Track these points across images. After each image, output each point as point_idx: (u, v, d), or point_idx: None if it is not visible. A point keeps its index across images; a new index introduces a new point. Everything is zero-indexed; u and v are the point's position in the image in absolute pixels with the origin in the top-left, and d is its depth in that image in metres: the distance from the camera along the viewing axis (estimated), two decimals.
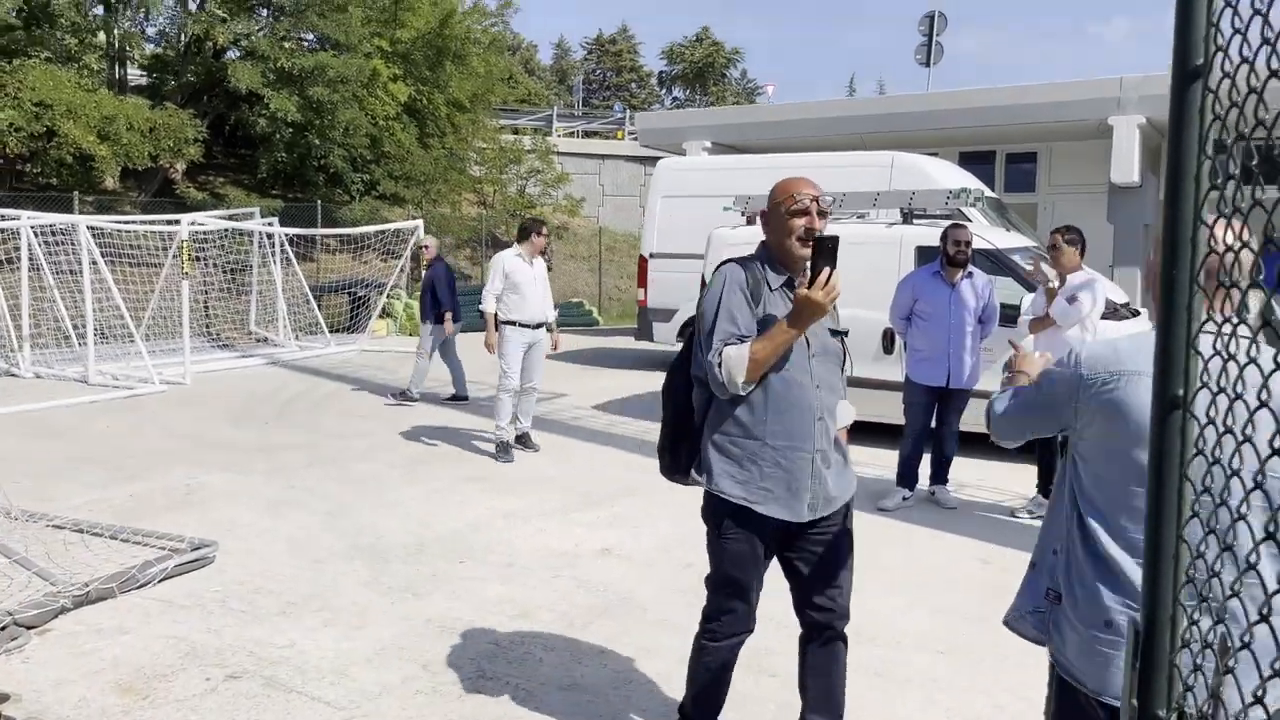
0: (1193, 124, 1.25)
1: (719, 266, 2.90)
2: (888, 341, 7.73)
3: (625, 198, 27.14)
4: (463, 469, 7.30)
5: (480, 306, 7.79)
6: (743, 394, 2.75)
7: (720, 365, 2.71)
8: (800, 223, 2.80)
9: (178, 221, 12.38)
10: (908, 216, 8.00)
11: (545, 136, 27.12)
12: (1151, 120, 12.78)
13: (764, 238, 2.95)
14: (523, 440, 7.98)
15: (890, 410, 7.71)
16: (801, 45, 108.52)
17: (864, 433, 8.18)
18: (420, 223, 15.14)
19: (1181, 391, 1.25)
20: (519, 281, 7.54)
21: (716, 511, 2.96)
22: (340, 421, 9.15)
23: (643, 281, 12.42)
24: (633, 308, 15.09)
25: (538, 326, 7.68)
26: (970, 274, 6.30)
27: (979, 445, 7.55)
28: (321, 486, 6.72)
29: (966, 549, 5.52)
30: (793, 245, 2.81)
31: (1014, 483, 6.88)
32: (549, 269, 18.38)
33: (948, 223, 6.97)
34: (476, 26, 23.39)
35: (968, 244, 6.25)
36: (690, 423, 3.02)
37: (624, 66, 58.96)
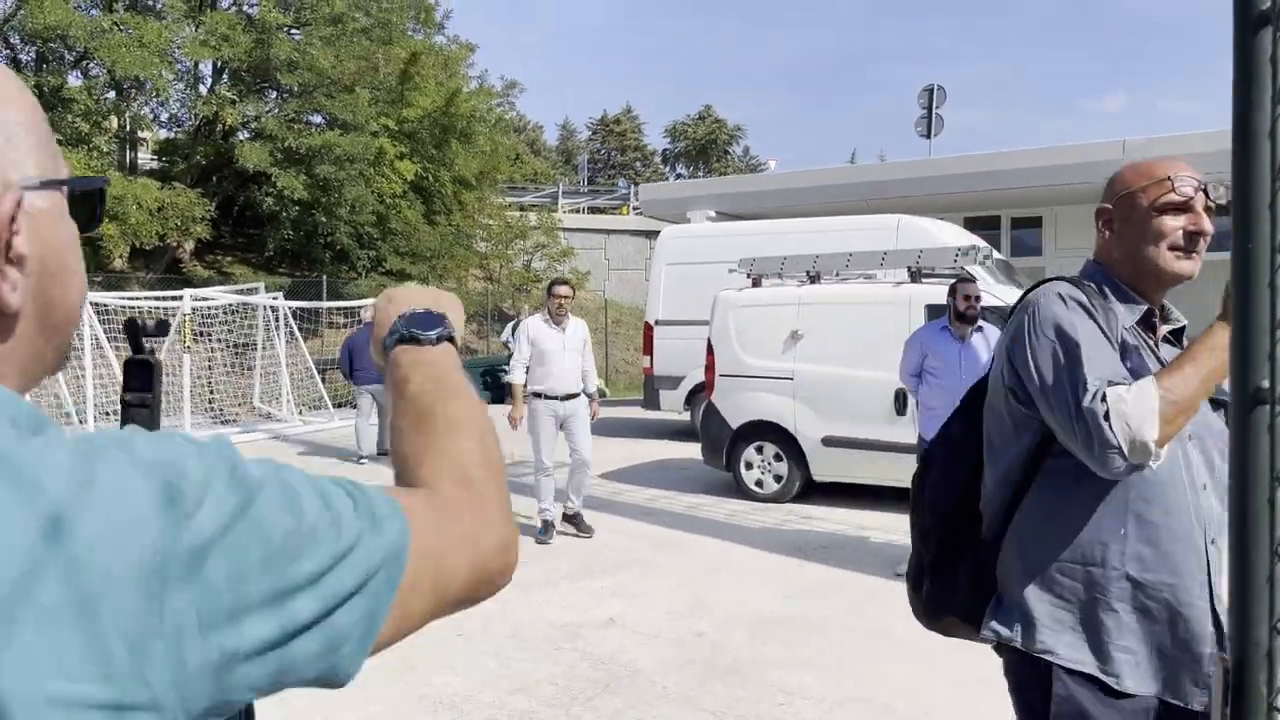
0: (1262, 74, 1.09)
1: (1029, 290, 1.93)
2: (899, 403, 7.53)
3: (631, 271, 27.21)
4: None
5: (507, 378, 7.28)
6: (1151, 464, 1.67)
7: (1109, 413, 1.65)
8: (1179, 223, 1.80)
9: (181, 297, 12.33)
10: (915, 275, 7.87)
11: (551, 212, 27.33)
12: None
13: (1105, 252, 1.92)
14: (573, 521, 7.25)
15: (904, 473, 7.49)
16: (803, 122, 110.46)
17: (879, 497, 7.95)
18: None
19: (1267, 383, 1.06)
20: (545, 349, 6.89)
21: (1045, 684, 1.80)
22: None
23: (648, 349, 12.28)
24: (639, 379, 14.94)
25: (568, 398, 6.97)
26: (980, 328, 6.13)
27: None
28: None
29: None
30: (1164, 259, 1.81)
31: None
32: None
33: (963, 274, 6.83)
34: (482, 106, 23.72)
35: (977, 298, 6.09)
36: (974, 534, 1.97)
37: (628, 145, 59.87)
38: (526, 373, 7.04)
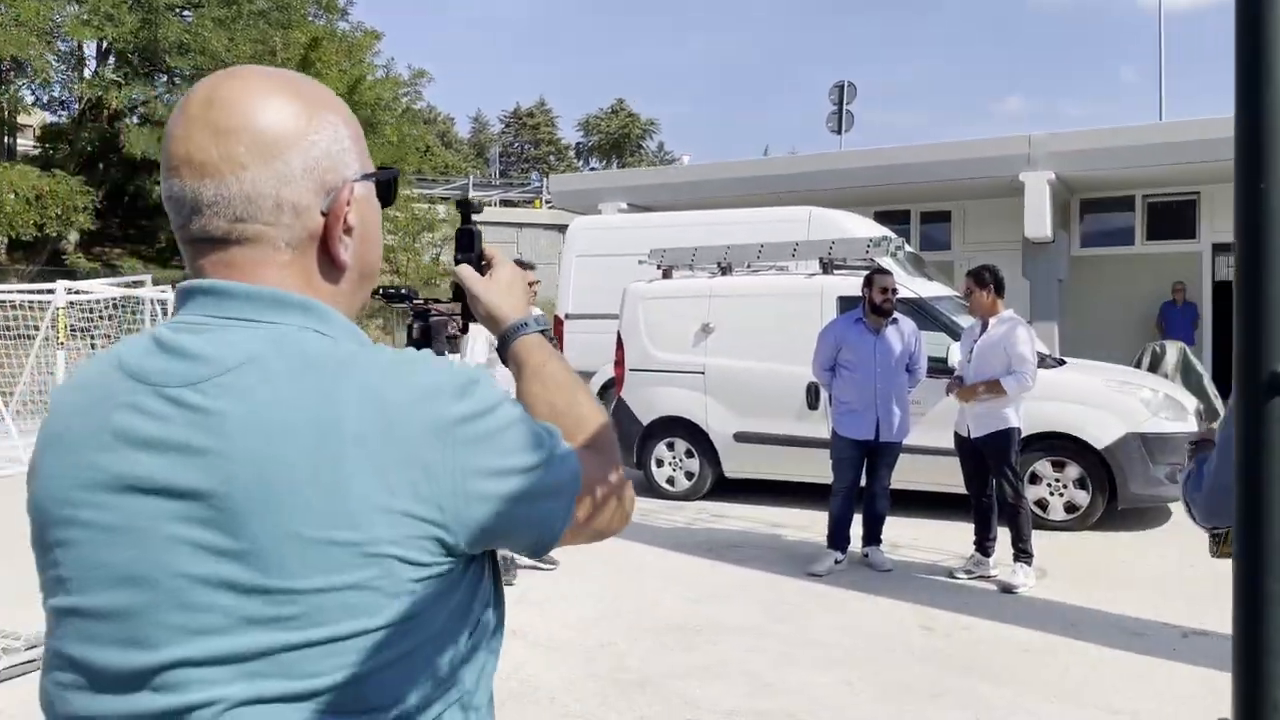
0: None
1: None
2: (812, 396, 7.37)
3: (544, 265, 26.66)
4: None
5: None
6: None
7: None
8: None
9: (54, 290, 11.55)
10: (827, 267, 7.71)
11: None
12: (1060, 176, 12.91)
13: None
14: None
15: (818, 469, 7.32)
16: (716, 119, 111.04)
17: (791, 494, 7.78)
18: None
19: None
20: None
21: None
22: None
23: (560, 344, 11.94)
24: None
25: None
26: (895, 320, 5.98)
27: (912, 502, 7.20)
28: None
29: (906, 615, 5.08)
30: None
31: (949, 541, 6.50)
32: (462, 330, 17.88)
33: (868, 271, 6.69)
34: (387, 94, 23.01)
35: (893, 291, 5.95)
36: None
37: (542, 139, 59.21)
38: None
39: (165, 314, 14.09)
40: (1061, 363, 7.49)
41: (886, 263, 7.93)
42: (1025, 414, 6.00)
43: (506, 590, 5.41)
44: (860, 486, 6.02)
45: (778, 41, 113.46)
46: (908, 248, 8.90)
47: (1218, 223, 14.01)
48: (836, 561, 5.90)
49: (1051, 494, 6.81)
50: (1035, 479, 6.82)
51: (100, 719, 0.85)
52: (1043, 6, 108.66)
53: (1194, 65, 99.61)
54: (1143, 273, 14.25)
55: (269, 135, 0.91)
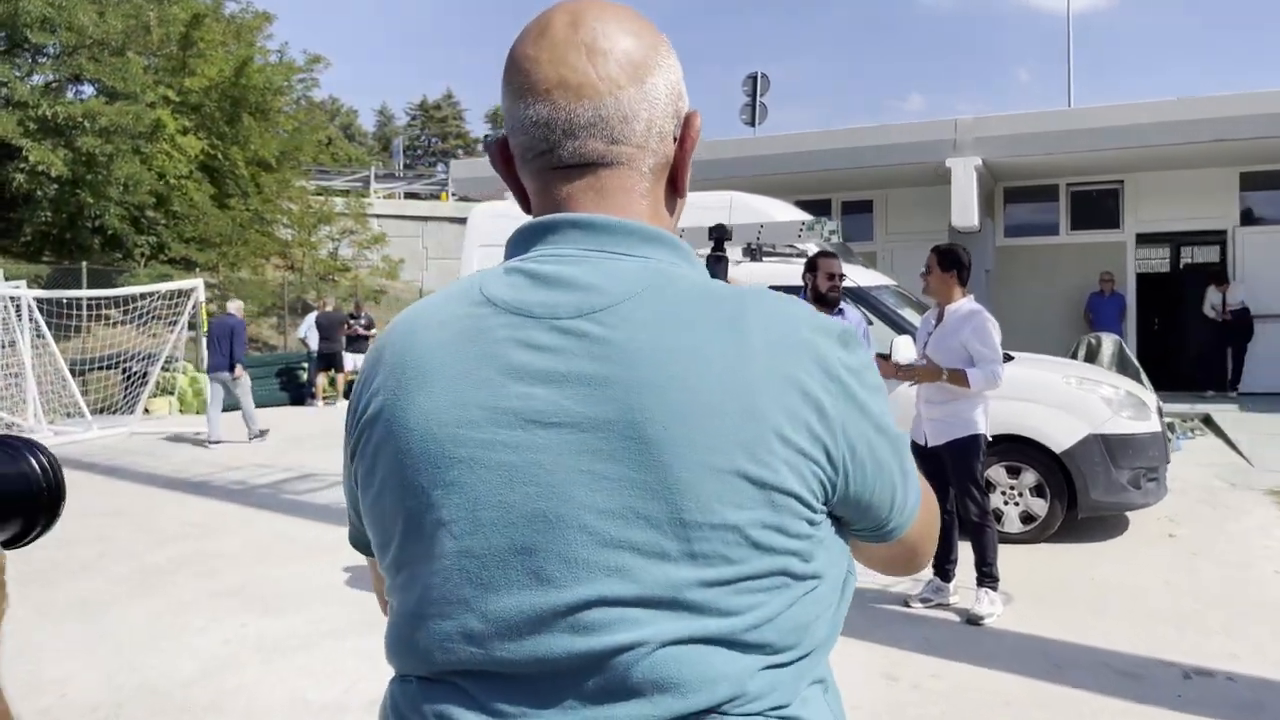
0: None
1: None
2: None
3: (451, 260, 25.59)
4: (216, 580, 5.63)
5: None
6: None
7: None
8: None
9: None
10: (755, 253, 6.91)
11: (361, 197, 25.38)
12: (987, 162, 12.41)
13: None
14: None
15: None
16: None
17: None
18: (200, 282, 13.21)
19: None
20: None
21: None
22: (72, 521, 7.23)
23: None
24: None
25: None
26: (842, 311, 5.21)
27: None
28: (7, 615, 4.91)
29: (864, 659, 4.29)
30: None
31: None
32: (368, 328, 16.62)
33: (806, 256, 5.93)
34: (279, 78, 21.57)
35: (841, 276, 5.18)
36: None
37: (449, 132, 57.74)
38: None
39: (18, 313, 12.67)
40: (1009, 358, 6.82)
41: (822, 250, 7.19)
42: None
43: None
44: None
45: (683, 35, 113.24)
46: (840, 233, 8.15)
47: (1141, 213, 13.73)
48: None
49: (1006, 503, 6.14)
50: (988, 487, 6.14)
51: (505, 664, 0.80)
52: (935, 7, 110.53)
53: (1094, 66, 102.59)
54: (1068, 263, 13.89)
55: (637, 55, 0.90)
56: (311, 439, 11.62)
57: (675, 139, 0.94)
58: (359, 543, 1.03)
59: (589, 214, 0.89)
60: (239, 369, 11.33)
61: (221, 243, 19.39)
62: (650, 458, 0.78)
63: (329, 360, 15.95)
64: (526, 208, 0.98)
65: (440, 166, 44.64)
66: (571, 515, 0.79)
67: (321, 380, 16.10)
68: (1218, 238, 13.84)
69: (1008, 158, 12.44)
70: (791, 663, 0.83)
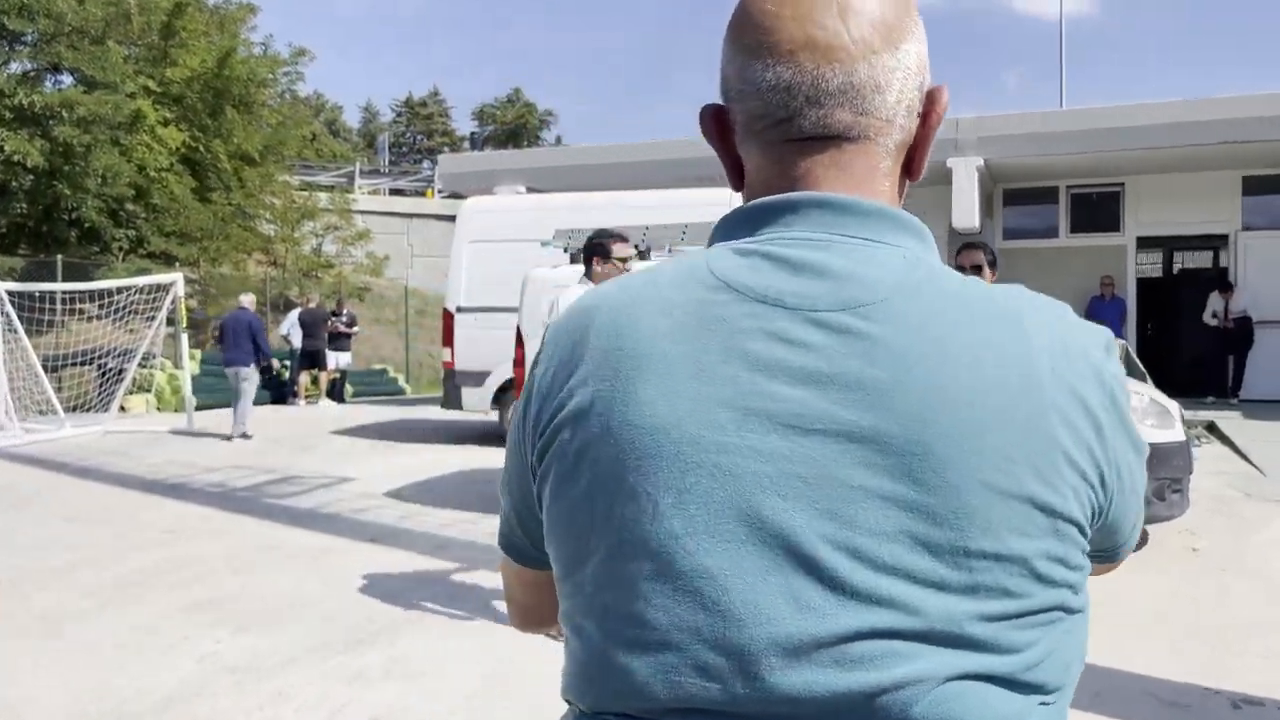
0: None
1: None
2: None
3: (436, 258, 25.21)
4: (191, 591, 5.28)
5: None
6: None
7: None
8: None
9: None
10: None
11: (346, 193, 24.98)
12: (988, 163, 12.17)
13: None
14: None
15: None
16: (617, 115, 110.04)
17: None
18: (179, 276, 12.81)
19: None
20: None
21: None
22: (42, 529, 6.88)
23: (449, 340, 10.63)
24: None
25: None
26: None
27: None
28: None
29: None
30: None
31: None
32: (350, 325, 16.22)
33: None
34: (263, 71, 21.16)
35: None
36: None
37: (435, 129, 57.31)
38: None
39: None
40: None
41: None
42: None
43: (383, 658, 4.11)
44: None
45: (673, 36, 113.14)
46: None
47: (1142, 215, 13.53)
48: None
49: None
50: None
51: (747, 702, 0.70)
52: (925, 10, 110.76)
53: (1081, 73, 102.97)
54: (1068, 266, 13.68)
55: (891, 17, 0.82)
56: (293, 440, 11.25)
57: (919, 115, 0.85)
58: (519, 549, 0.93)
59: (836, 194, 0.80)
60: (265, 361, 11.56)
61: (202, 237, 18.98)
62: (934, 477, 0.70)
63: (312, 358, 15.58)
64: (736, 184, 0.88)
65: (426, 163, 44.22)
66: (840, 536, 0.70)
67: (304, 379, 15.72)
68: (1219, 242, 13.66)
69: (1010, 158, 12.21)
70: (1056, 703, 0.77)
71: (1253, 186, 13.10)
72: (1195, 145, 11.50)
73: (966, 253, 4.76)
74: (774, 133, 0.82)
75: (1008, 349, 0.73)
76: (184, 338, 12.65)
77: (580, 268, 6.87)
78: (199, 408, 14.01)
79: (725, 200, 9.53)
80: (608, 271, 4.75)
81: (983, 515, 0.69)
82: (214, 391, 15.01)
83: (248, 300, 12.02)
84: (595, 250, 4.82)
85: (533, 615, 1.00)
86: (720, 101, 0.87)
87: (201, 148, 19.43)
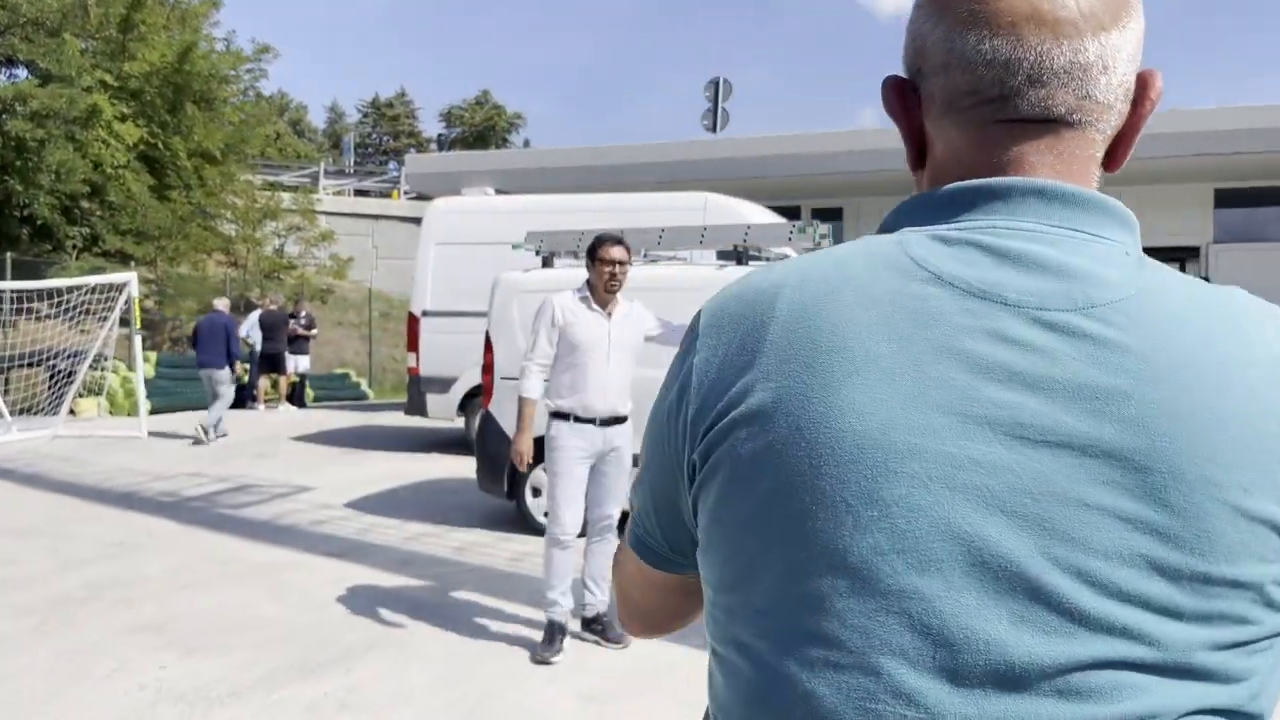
0: None
1: None
2: None
3: (401, 260, 24.79)
4: (134, 611, 4.94)
5: (520, 388, 4.60)
6: None
7: None
8: None
9: None
10: (741, 257, 6.41)
11: (309, 193, 24.51)
12: None
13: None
14: (595, 626, 4.58)
15: None
16: (585, 120, 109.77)
17: None
18: (132, 276, 12.36)
19: None
20: (580, 342, 4.45)
21: None
22: None
23: (414, 345, 10.30)
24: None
25: (611, 422, 4.50)
26: None
27: None
28: None
29: None
30: None
31: None
32: (308, 327, 15.78)
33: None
34: (225, 66, 20.70)
35: None
36: None
37: (401, 130, 56.81)
38: (541, 376, 4.59)
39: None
40: None
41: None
42: None
43: (339, 687, 3.81)
44: None
45: (641, 42, 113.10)
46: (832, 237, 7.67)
47: None
48: None
49: None
50: None
51: None
52: (894, 24, 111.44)
53: None
54: None
55: None
56: (252, 445, 10.86)
57: (1131, 102, 0.78)
58: (655, 553, 0.89)
59: (1057, 182, 0.74)
60: (239, 367, 11.63)
61: (160, 236, 18.47)
62: (1180, 498, 0.64)
63: (272, 361, 15.15)
64: (917, 162, 0.82)
65: (392, 164, 43.70)
66: (1069, 558, 0.64)
67: (264, 383, 15.30)
68: (1190, 255, 13.68)
69: None
70: None
71: (1225, 199, 13.11)
72: (1170, 157, 11.45)
73: None
74: (982, 112, 0.76)
75: (1252, 360, 0.68)
76: (137, 339, 12.19)
77: (552, 272, 6.61)
78: (154, 412, 13.58)
79: (700, 205, 9.32)
80: (598, 273, 4.49)
81: (1227, 540, 0.65)
82: (170, 395, 14.56)
83: (222, 304, 12.02)
84: (589, 252, 4.55)
85: (654, 619, 0.97)
86: (902, 73, 0.81)
87: (160, 144, 18.94)
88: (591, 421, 4.44)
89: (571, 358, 4.46)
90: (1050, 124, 0.75)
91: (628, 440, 4.60)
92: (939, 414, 0.67)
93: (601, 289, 4.50)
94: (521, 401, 4.59)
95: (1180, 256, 14.99)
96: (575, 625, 4.61)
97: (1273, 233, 13.06)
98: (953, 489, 0.66)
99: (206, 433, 10.88)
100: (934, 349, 0.69)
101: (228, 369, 11.37)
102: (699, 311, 0.81)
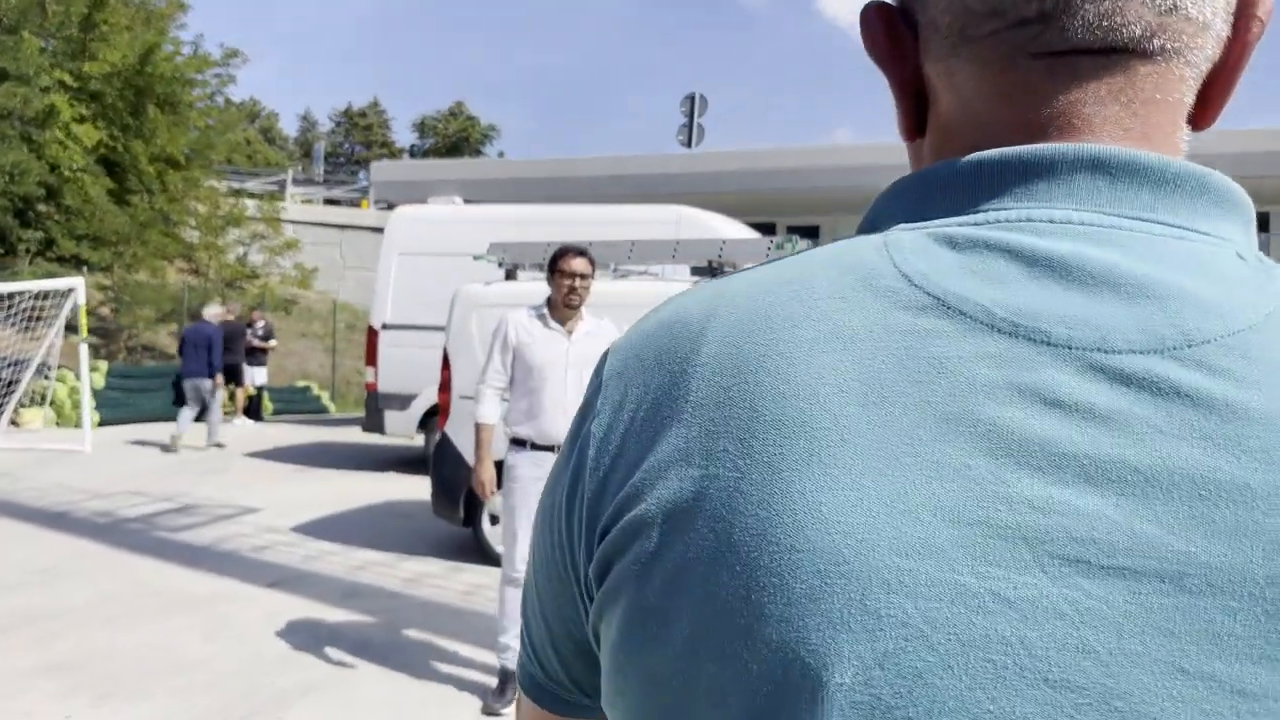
0: None
1: None
2: None
3: (369, 271, 24.32)
4: (49, 649, 4.52)
5: (475, 414, 4.19)
6: None
7: None
8: None
9: None
10: (717, 272, 6.09)
11: (276, 200, 24.03)
12: None
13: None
14: None
15: None
16: (558, 134, 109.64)
17: None
18: (79, 281, 11.86)
19: None
20: (536, 363, 4.07)
21: None
22: None
23: (372, 359, 9.90)
24: None
25: None
26: None
27: None
28: None
29: None
30: None
31: None
32: (265, 338, 15.35)
33: None
34: (190, 70, 20.25)
35: None
36: None
37: (374, 140, 56.33)
38: (499, 398, 4.20)
39: None
40: None
41: None
42: None
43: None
44: None
45: (618, 59, 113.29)
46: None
47: None
48: None
49: None
50: None
51: None
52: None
53: None
54: None
55: None
56: (200, 462, 10.40)
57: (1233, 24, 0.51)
58: (550, 695, 0.61)
59: (1127, 149, 0.48)
60: (219, 378, 11.85)
61: (118, 241, 17.95)
62: None
63: (230, 373, 14.65)
64: (912, 125, 0.55)
65: (362, 174, 43.25)
66: None
67: (220, 395, 14.79)
68: None
69: None
70: None
71: None
72: None
73: None
74: (1009, 40, 0.50)
75: None
76: (83, 348, 11.69)
77: (515, 286, 6.26)
78: (104, 424, 13.06)
79: (673, 219, 9.03)
80: (556, 285, 4.14)
81: None
82: (121, 407, 14.04)
83: (210, 314, 12.26)
84: (550, 264, 4.19)
85: None
86: None
87: (121, 147, 18.46)
88: (550, 449, 4.10)
89: (528, 381, 4.11)
90: (1115, 55, 0.49)
91: None
92: (946, 523, 0.43)
93: (561, 304, 4.16)
94: (478, 428, 4.22)
95: None
96: None
97: None
98: (969, 647, 0.42)
99: (216, 443, 11.46)
100: (937, 418, 0.44)
101: (207, 379, 11.64)
102: (604, 352, 0.56)
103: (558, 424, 4.07)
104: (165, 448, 11.22)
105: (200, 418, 11.66)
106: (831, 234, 13.87)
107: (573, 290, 4.10)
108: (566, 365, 4.10)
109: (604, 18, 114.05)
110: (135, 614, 5.08)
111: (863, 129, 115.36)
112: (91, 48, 17.89)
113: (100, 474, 9.43)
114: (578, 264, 4.11)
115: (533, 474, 4.05)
